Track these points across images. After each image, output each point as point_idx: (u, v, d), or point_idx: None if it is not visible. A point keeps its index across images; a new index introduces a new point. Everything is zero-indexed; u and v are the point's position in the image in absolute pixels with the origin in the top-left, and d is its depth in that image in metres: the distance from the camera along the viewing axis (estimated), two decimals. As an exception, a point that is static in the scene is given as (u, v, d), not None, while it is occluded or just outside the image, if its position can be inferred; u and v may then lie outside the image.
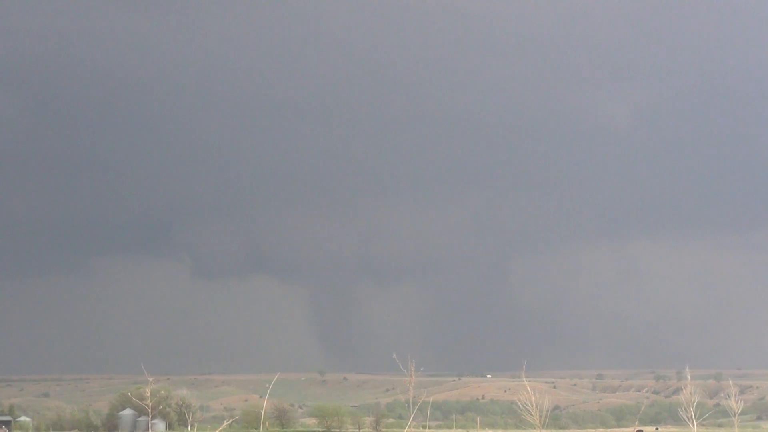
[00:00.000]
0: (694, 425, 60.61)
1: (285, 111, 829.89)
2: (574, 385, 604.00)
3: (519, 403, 53.80)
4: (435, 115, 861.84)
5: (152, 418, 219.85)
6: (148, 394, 53.46)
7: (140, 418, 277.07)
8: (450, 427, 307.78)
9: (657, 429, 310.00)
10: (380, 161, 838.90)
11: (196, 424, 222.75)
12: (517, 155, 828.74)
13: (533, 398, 51.92)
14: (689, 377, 61.80)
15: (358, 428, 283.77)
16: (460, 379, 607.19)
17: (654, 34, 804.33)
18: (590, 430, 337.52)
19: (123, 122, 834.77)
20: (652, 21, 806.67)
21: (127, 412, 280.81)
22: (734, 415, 65.87)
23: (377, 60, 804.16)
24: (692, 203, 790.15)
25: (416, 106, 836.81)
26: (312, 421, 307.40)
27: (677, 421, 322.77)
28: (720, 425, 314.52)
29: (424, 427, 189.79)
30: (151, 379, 53.13)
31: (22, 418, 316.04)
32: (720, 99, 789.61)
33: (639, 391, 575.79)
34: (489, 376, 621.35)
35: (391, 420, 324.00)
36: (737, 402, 64.56)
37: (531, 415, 52.14)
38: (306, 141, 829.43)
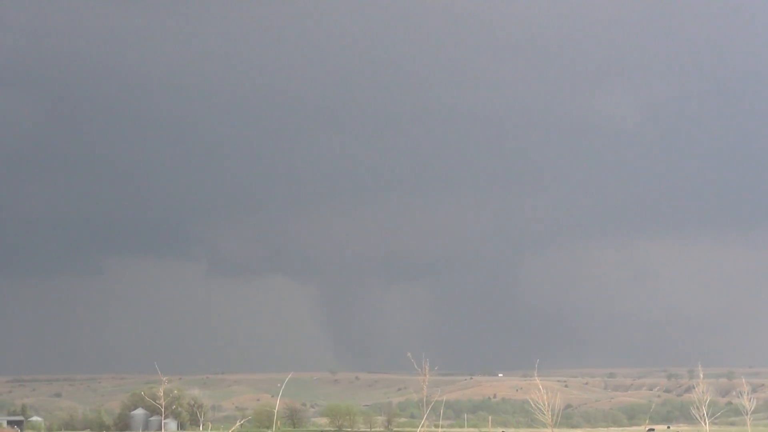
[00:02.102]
0: (706, 424, 60.54)
1: (300, 110, 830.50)
2: (586, 383, 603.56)
3: (531, 402, 53.80)
4: (445, 116, 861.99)
5: (164, 418, 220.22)
6: (161, 394, 53.50)
7: (152, 418, 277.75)
8: (462, 426, 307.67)
9: (669, 428, 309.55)
10: (394, 162, 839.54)
11: (208, 424, 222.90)
12: (526, 155, 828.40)
13: (545, 397, 51.91)
14: (702, 375, 61.63)
15: (370, 428, 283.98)
16: (471, 378, 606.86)
17: (661, 33, 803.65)
18: (602, 428, 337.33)
19: (138, 122, 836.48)
20: (660, 20, 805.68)
21: (139, 412, 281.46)
22: (746, 414, 65.71)
23: (393, 61, 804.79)
24: (703, 202, 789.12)
25: (430, 107, 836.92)
26: (324, 421, 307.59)
27: (689, 419, 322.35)
28: (732, 424, 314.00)
29: (436, 426, 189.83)
30: (164, 379, 53.22)
31: (34, 418, 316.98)
32: (725, 99, 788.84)
33: (651, 389, 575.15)
34: (501, 375, 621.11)
35: (403, 419, 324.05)
36: (750, 400, 64.41)
37: (543, 414, 52.16)
38: (322, 141, 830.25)
